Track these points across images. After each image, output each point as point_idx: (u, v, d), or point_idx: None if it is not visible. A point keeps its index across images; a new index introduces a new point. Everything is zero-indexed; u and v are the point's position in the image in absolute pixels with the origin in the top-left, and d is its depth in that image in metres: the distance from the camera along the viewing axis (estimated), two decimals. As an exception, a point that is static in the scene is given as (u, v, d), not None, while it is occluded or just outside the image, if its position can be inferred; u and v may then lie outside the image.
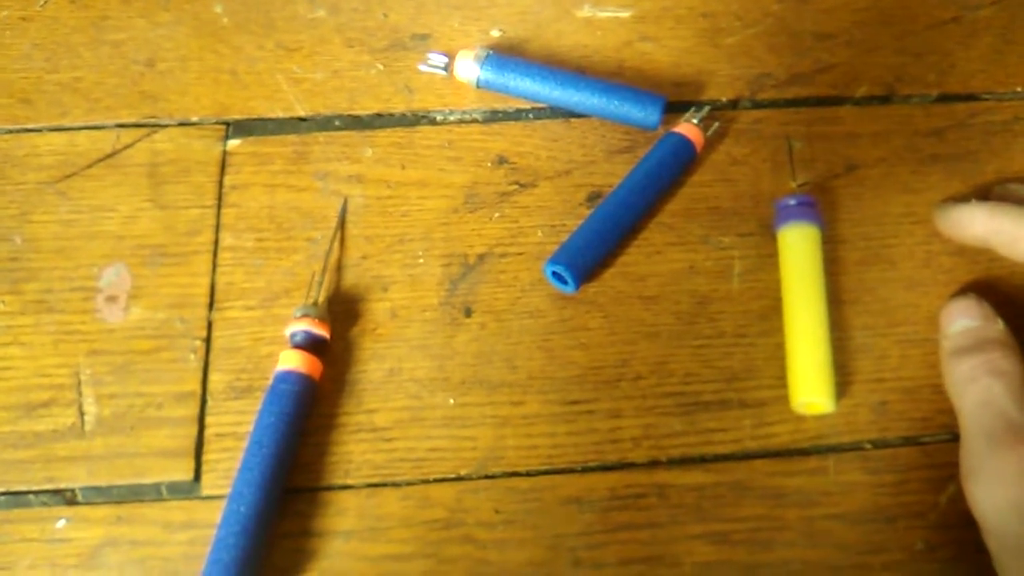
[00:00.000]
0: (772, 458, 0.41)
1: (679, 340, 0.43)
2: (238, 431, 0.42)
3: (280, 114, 0.49)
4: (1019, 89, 0.50)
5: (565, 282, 0.43)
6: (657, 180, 0.45)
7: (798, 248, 0.43)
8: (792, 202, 0.45)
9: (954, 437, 0.41)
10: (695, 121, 0.47)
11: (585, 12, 0.52)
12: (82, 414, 0.42)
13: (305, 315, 0.42)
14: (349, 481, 0.41)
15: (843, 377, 0.42)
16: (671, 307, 0.44)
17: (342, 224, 0.46)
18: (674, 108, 0.49)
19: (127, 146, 0.48)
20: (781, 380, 0.42)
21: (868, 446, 0.42)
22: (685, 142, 0.46)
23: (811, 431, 0.42)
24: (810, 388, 0.40)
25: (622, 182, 0.46)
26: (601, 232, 0.44)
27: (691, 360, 0.43)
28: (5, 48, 0.51)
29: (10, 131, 0.48)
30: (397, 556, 0.39)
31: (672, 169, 0.46)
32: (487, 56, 0.48)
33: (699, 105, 0.48)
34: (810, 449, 0.41)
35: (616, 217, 0.44)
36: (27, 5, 0.52)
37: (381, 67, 0.50)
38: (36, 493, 0.41)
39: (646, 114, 0.47)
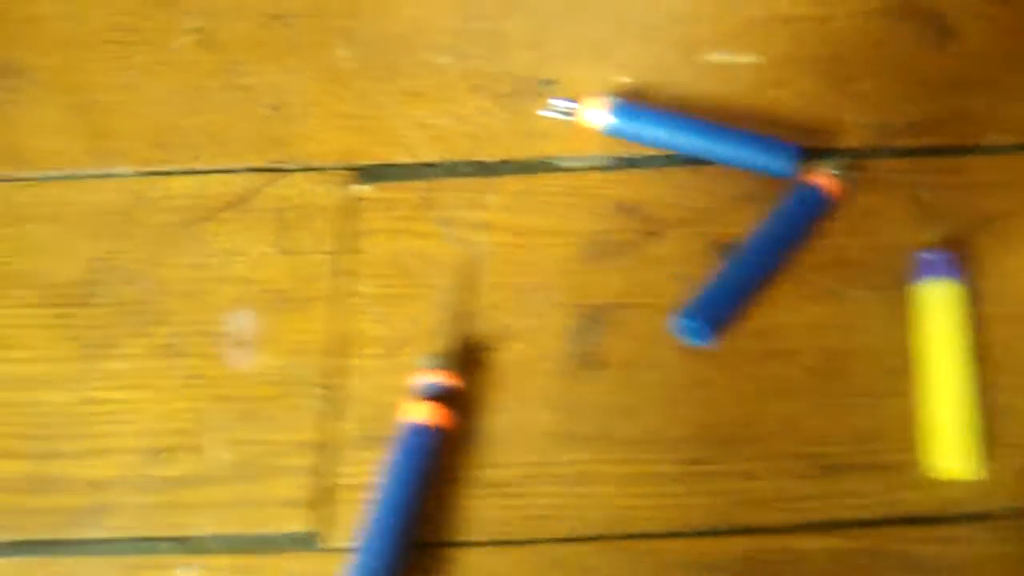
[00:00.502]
0: (907, 525, 0.39)
1: (810, 398, 0.42)
2: (362, 482, 0.41)
3: (406, 160, 0.49)
4: None
5: (696, 336, 0.42)
6: (792, 232, 0.44)
7: (938, 304, 0.42)
8: (929, 256, 0.43)
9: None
10: (829, 171, 0.46)
11: (712, 58, 0.51)
12: (208, 460, 0.42)
13: (433, 365, 0.42)
14: (474, 538, 0.40)
15: (984, 441, 0.40)
16: (801, 363, 0.43)
17: (467, 272, 0.46)
18: (805, 156, 0.47)
19: (256, 190, 0.49)
20: (915, 442, 0.40)
21: (1009, 515, 0.39)
22: (819, 193, 0.45)
23: (948, 497, 0.40)
24: (950, 454, 0.38)
25: (756, 233, 0.44)
26: (734, 285, 0.43)
27: (822, 419, 0.41)
28: (140, 92, 0.52)
29: (144, 173, 0.50)
30: (523, 617, 0.39)
31: (806, 221, 0.45)
32: (617, 103, 0.48)
33: (833, 154, 0.47)
34: (947, 517, 0.39)
35: (751, 270, 0.43)
36: (161, 50, 0.53)
37: (506, 113, 0.50)
38: (163, 540, 0.41)
39: (780, 163, 0.46)
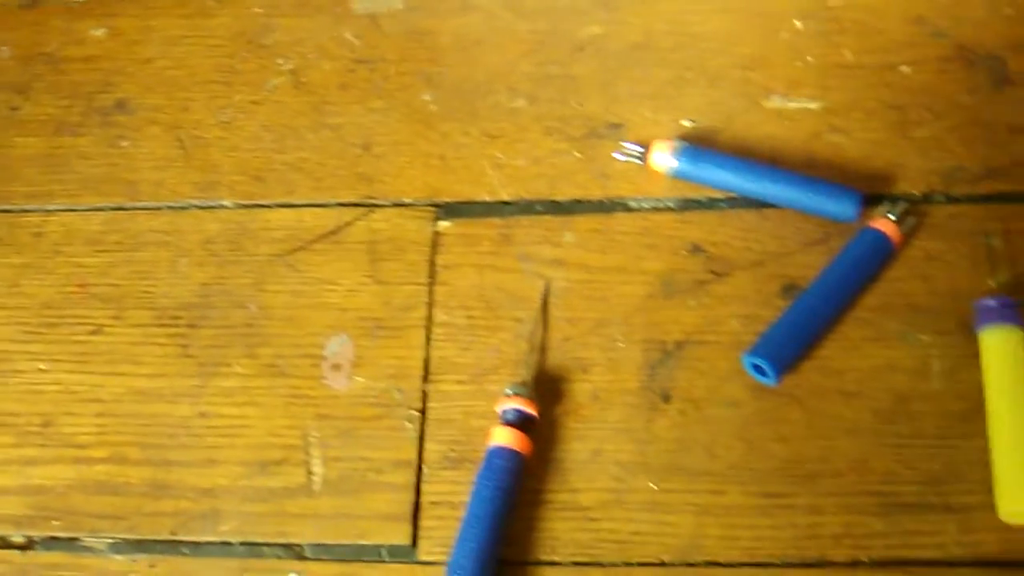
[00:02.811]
0: (979, 567, 0.41)
1: (879, 438, 0.44)
2: (452, 500, 0.45)
3: (486, 198, 0.52)
4: None
5: (764, 374, 0.45)
6: (855, 275, 0.47)
7: (1001, 351, 0.44)
8: (993, 303, 0.45)
9: None
10: (892, 216, 0.48)
11: (774, 103, 0.54)
12: (310, 474, 0.46)
13: (516, 394, 0.45)
14: (555, 558, 0.43)
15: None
16: (870, 404, 0.45)
17: (545, 306, 0.49)
18: (866, 201, 0.49)
19: (347, 224, 0.52)
20: (986, 486, 0.42)
21: (1079, 559, 0.41)
22: (883, 238, 0.47)
23: (1022, 543, 0.41)
24: (1021, 497, 0.40)
25: (820, 276, 0.47)
26: (801, 325, 0.46)
27: (891, 459, 0.44)
28: (238, 129, 0.56)
29: (245, 206, 0.54)
30: (602, 634, 0.41)
31: (870, 264, 0.47)
32: (683, 148, 0.50)
33: (894, 199, 0.49)
34: (1021, 562, 0.41)
35: (815, 311, 0.46)
36: (256, 91, 0.57)
37: (578, 155, 0.53)
38: (269, 546, 0.45)
39: (843, 208, 0.48)
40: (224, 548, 0.45)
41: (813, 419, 0.45)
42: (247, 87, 0.57)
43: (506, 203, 0.52)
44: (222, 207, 0.54)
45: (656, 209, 0.51)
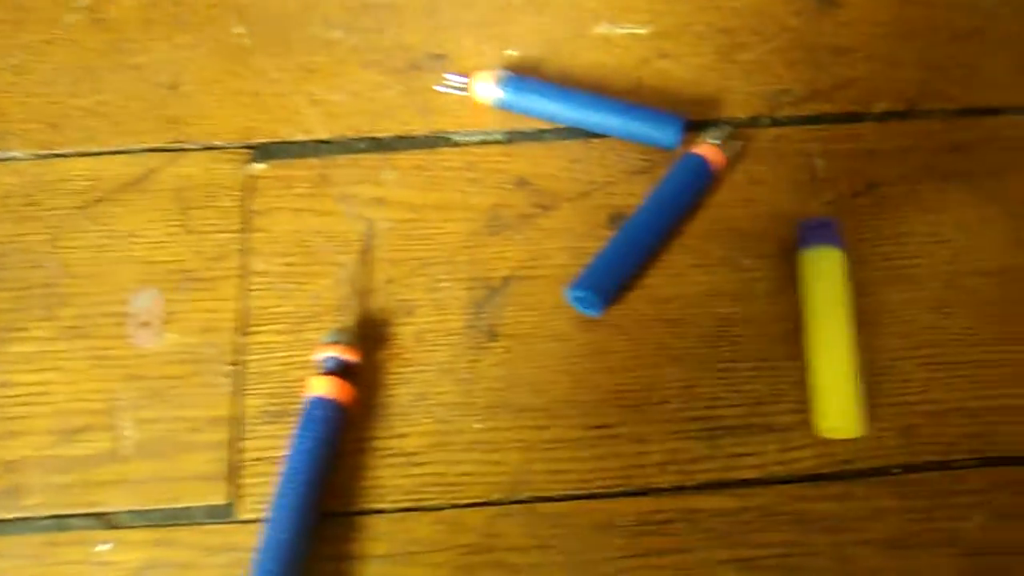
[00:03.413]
0: (799, 483, 0.42)
1: (703, 364, 0.44)
2: (272, 455, 0.42)
3: (302, 137, 0.50)
4: (1043, 102, 0.50)
5: (589, 306, 0.44)
6: (678, 202, 0.46)
7: (820, 271, 0.44)
8: (812, 224, 0.45)
9: (984, 461, 0.42)
10: (715, 141, 0.47)
11: (602, 29, 0.52)
12: (120, 439, 0.43)
13: (334, 341, 0.43)
14: (382, 505, 0.42)
15: (869, 400, 0.43)
16: (695, 330, 0.45)
17: (367, 248, 0.47)
18: (693, 126, 0.49)
19: (153, 171, 0.49)
20: (806, 404, 0.43)
21: (896, 470, 0.42)
22: (704, 163, 0.47)
23: (838, 455, 0.42)
24: (835, 413, 0.41)
25: (643, 204, 0.46)
26: (623, 255, 0.45)
27: (716, 384, 0.44)
28: (29, 73, 0.51)
29: (40, 156, 0.49)
30: (430, 580, 0.40)
31: (692, 191, 0.46)
32: (506, 77, 0.49)
33: (718, 124, 0.48)
34: (837, 474, 0.42)
35: (638, 240, 0.45)
36: (49, 29, 0.52)
37: (400, 88, 0.51)
38: (77, 516, 0.42)
39: (665, 135, 0.47)
40: (29, 524, 0.42)
41: (638, 348, 0.44)
42: (38, 26, 0.52)
43: (324, 142, 0.50)
44: (14, 159, 0.49)
45: (482, 143, 0.49)
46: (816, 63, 0.51)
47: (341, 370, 0.43)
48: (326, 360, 0.43)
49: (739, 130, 0.49)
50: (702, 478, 0.42)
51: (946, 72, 0.51)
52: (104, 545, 0.41)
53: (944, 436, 0.42)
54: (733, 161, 0.48)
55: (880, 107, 0.50)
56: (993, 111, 0.50)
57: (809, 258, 0.44)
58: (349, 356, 0.43)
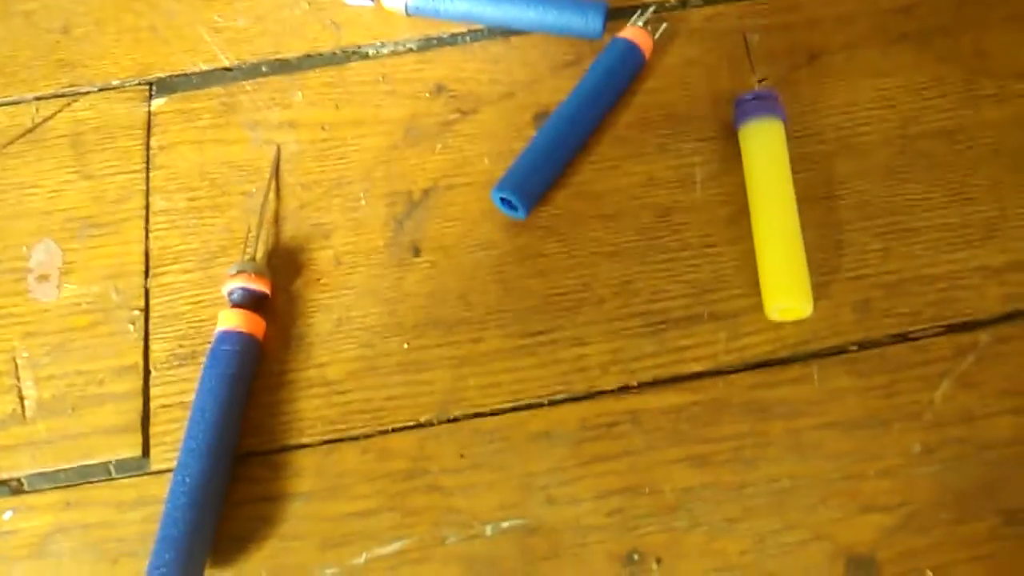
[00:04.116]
0: (751, 371, 0.38)
1: (642, 257, 0.40)
2: (185, 400, 0.39)
3: (204, 67, 0.46)
4: (992, -46, 0.46)
5: (514, 208, 0.40)
6: (605, 91, 0.42)
7: (760, 145, 0.40)
8: (750, 97, 0.41)
9: (947, 328, 0.38)
10: (641, 24, 0.44)
11: (518, -76, 0.49)
12: (22, 399, 0.40)
13: (241, 271, 0.40)
14: (304, 440, 0.38)
15: (821, 278, 0.40)
16: (632, 223, 0.41)
17: (276, 173, 0.43)
18: (621, 13, 0.45)
19: (47, 118, 0.45)
20: (755, 288, 0.39)
21: (853, 348, 0.39)
22: (631, 47, 0.43)
23: (791, 338, 0.39)
24: (784, 293, 0.37)
25: (568, 97, 0.42)
26: (548, 151, 0.41)
27: (657, 276, 0.40)
28: (-87, 29, 0.48)
29: (-76, 114, 0.46)
30: (361, 513, 0.37)
31: (620, 78, 0.43)
32: (414, -20, 0.45)
33: (644, 7, 0.45)
34: (791, 357, 0.38)
35: (563, 134, 0.41)
36: (-68, -18, 0.49)
37: (306, 5, 0.47)
38: (-18, 485, 0.39)
39: (587, 22, 0.44)
40: (-67, 497, 0.39)
41: (572, 248, 0.41)
42: (-82, -21, 0.49)
43: (228, 69, 0.46)
44: (-103, 118, 0.46)
45: (395, 53, 0.46)
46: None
47: (249, 301, 0.39)
48: (232, 292, 0.39)
49: (670, 12, 0.45)
50: (648, 376, 0.38)
51: (888, -69, 0.47)
52: (9, 513, 0.38)
53: (903, 307, 0.39)
54: (665, 44, 0.45)
55: (821, -24, 0.46)
56: (941, -35, 0.46)
57: (749, 133, 0.41)
58: (257, 286, 0.39)
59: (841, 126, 0.43)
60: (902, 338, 0.39)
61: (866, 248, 0.40)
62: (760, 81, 0.43)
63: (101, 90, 0.46)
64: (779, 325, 0.39)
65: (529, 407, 0.38)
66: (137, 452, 0.39)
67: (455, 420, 0.38)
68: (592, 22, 0.44)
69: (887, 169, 0.42)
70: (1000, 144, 0.42)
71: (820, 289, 0.39)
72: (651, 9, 0.44)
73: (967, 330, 0.38)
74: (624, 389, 0.38)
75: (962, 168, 0.41)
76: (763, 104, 0.41)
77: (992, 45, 0.44)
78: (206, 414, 0.37)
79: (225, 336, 0.38)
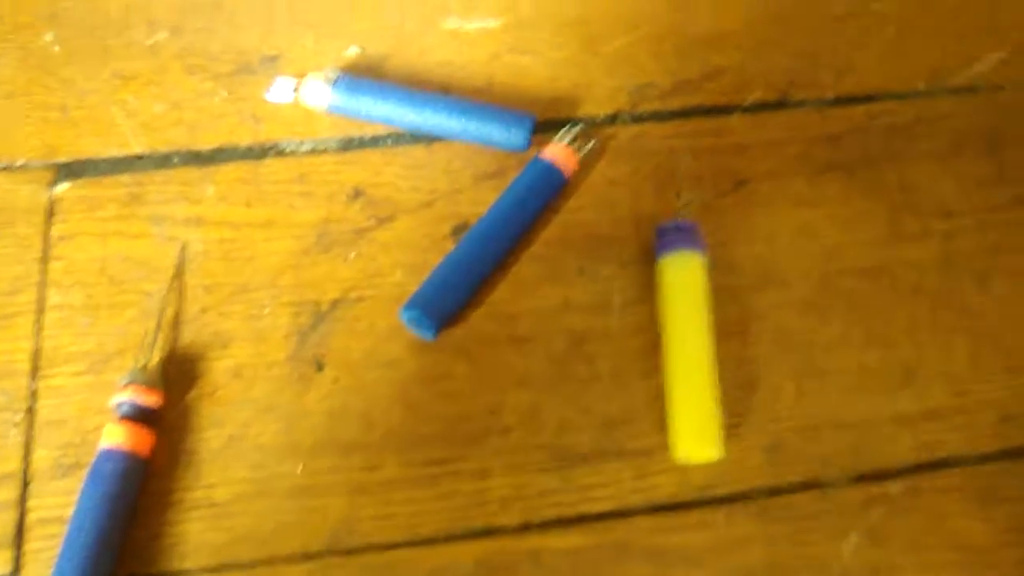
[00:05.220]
0: (655, 513, 0.37)
1: (553, 386, 0.39)
2: (64, 515, 0.37)
3: (113, 152, 0.44)
4: (920, 87, 0.47)
5: (422, 327, 0.39)
6: (524, 209, 0.41)
7: (677, 279, 0.40)
8: (670, 228, 0.41)
9: (858, 478, 0.38)
10: (567, 141, 0.43)
11: (451, 24, 0.48)
12: None
13: (132, 382, 0.38)
14: (187, 565, 0.36)
15: (733, 418, 0.39)
16: (544, 349, 0.40)
17: (179, 274, 0.41)
18: (549, 126, 0.45)
19: (-58, 197, 0.43)
20: (664, 426, 0.38)
21: (761, 494, 0.38)
22: (551, 169, 0.42)
23: (697, 481, 0.38)
24: (691, 438, 0.36)
25: (486, 213, 0.41)
26: (463, 269, 0.40)
27: (565, 407, 0.39)
28: None
29: None
30: (238, 651, 0.35)
31: (540, 196, 0.42)
32: (337, 78, 0.44)
33: (572, 123, 0.44)
34: (696, 501, 0.38)
35: (479, 252, 0.40)
36: None
37: (226, 94, 0.46)
38: None
39: (511, 136, 0.43)
40: None
41: (481, 372, 0.40)
42: None
43: (139, 157, 0.44)
44: None
45: (313, 151, 0.45)
46: (683, 52, 0.48)
47: (138, 415, 0.37)
48: (120, 405, 0.37)
49: (597, 128, 0.45)
50: (550, 513, 0.37)
51: (819, 58, 0.47)
52: None
53: (815, 451, 0.38)
54: (590, 162, 0.44)
55: (751, 98, 0.46)
56: (867, 98, 0.46)
57: (667, 266, 0.40)
58: (148, 399, 0.37)
59: (762, 257, 0.42)
60: (812, 485, 0.38)
61: (780, 388, 0.39)
62: (683, 207, 0.43)
63: (3, 170, 0.44)
64: (686, 467, 0.38)
65: (425, 542, 0.37)
66: (7, 569, 0.36)
67: (348, 553, 0.36)
68: (515, 136, 0.43)
69: (806, 304, 0.41)
70: (920, 284, 0.42)
71: (731, 429, 0.38)
72: (579, 126, 0.43)
73: (877, 480, 0.38)
74: (525, 527, 0.37)
75: (882, 308, 0.41)
76: (682, 236, 0.40)
77: (917, 179, 0.44)
78: (82, 534, 0.35)
79: (109, 453, 0.36)
